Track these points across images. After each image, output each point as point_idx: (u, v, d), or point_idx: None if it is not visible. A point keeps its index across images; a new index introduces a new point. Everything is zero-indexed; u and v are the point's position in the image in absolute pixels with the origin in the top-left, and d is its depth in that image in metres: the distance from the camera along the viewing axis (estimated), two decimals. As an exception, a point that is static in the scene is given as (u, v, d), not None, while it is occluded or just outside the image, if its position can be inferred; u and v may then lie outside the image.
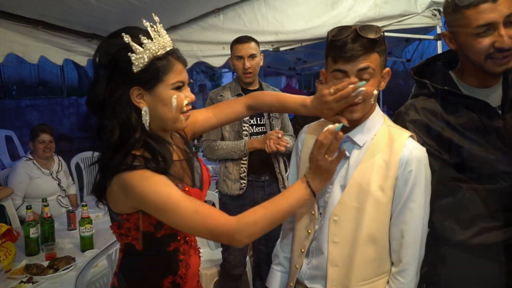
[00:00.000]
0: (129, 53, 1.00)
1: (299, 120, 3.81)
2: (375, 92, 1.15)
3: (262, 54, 2.49)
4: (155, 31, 1.05)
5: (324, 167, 1.08)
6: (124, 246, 1.18)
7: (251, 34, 2.77)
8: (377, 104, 1.24)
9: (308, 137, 1.37)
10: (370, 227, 1.18)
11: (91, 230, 2.23)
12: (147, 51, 1.02)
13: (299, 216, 1.33)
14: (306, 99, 1.27)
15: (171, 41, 1.09)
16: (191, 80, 1.14)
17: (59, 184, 3.20)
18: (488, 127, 1.24)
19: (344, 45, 1.11)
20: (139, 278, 1.17)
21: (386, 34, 3.60)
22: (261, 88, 2.51)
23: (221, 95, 2.45)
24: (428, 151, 1.21)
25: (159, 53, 1.04)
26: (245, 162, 2.41)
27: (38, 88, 9.70)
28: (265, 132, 2.45)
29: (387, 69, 1.19)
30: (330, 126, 1.07)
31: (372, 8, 3.34)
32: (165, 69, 1.05)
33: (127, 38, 1.00)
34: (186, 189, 1.11)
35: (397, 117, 1.36)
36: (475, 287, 1.31)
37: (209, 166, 4.43)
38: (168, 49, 1.06)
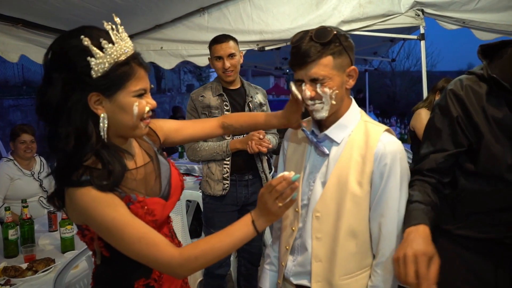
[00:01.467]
0: (88, 57, 0.94)
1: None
2: (336, 91, 1.18)
3: (241, 52, 2.46)
4: (116, 34, 0.98)
5: (272, 210, 1.04)
6: (93, 252, 1.15)
7: (236, 34, 2.77)
8: (353, 101, 1.29)
9: (292, 135, 1.41)
10: (350, 221, 1.21)
11: (71, 231, 2.20)
12: (108, 57, 0.96)
13: (284, 214, 1.33)
14: (278, 112, 1.37)
15: (132, 45, 1.03)
16: (152, 86, 1.09)
17: (41, 185, 3.14)
18: None
19: (298, 51, 1.15)
20: (111, 281, 1.15)
21: (370, 33, 3.63)
22: (242, 87, 2.49)
23: (203, 96, 2.42)
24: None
25: (120, 58, 0.98)
26: (228, 162, 2.40)
27: (22, 88, 9.55)
28: (247, 133, 2.45)
29: (352, 67, 1.22)
30: (286, 174, 1.02)
31: (356, 7, 3.37)
32: (126, 76, 0.99)
33: (86, 42, 0.93)
34: (141, 199, 1.06)
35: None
36: (459, 275, 1.38)
37: (195, 166, 4.41)
38: (129, 54, 1.00)
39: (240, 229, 1.06)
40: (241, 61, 2.44)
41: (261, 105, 2.52)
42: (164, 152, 1.29)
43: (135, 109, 1.02)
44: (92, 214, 0.97)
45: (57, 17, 2.96)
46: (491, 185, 1.29)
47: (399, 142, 1.23)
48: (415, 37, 3.56)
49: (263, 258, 1.57)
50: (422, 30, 3.44)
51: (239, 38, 2.49)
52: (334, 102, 1.19)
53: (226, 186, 2.40)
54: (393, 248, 1.21)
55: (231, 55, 2.35)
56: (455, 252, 1.40)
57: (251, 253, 2.62)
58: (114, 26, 0.99)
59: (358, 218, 1.22)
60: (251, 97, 2.47)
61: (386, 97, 17.06)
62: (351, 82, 1.23)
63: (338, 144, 1.25)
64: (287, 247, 1.33)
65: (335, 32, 1.15)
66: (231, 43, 2.37)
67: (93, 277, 1.20)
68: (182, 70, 15.25)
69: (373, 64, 8.58)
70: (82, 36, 0.94)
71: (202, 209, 2.60)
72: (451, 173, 1.34)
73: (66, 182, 0.99)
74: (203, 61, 3.73)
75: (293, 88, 1.22)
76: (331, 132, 1.25)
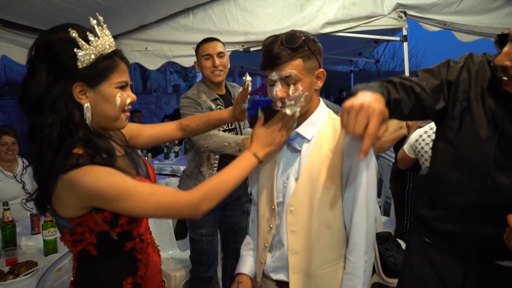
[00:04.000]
0: (75, 49, 1.00)
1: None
2: (306, 93, 1.25)
3: (228, 57, 2.42)
4: (101, 29, 1.05)
5: (276, 141, 1.26)
6: (78, 254, 1.14)
7: (221, 34, 2.77)
8: (321, 101, 1.37)
9: None
10: (323, 214, 1.27)
11: (54, 233, 2.17)
12: (94, 49, 1.02)
13: (262, 211, 1.40)
14: (229, 108, 1.54)
15: (114, 42, 1.10)
16: (131, 82, 1.17)
17: (23, 187, 3.10)
18: (501, 131, 1.21)
19: (269, 54, 1.22)
20: (98, 284, 1.15)
21: (354, 35, 3.66)
22: (228, 93, 2.45)
23: (203, 100, 2.32)
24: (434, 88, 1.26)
25: (105, 51, 1.05)
26: (216, 164, 2.39)
27: (4, 89, 9.39)
28: (233, 130, 2.45)
29: (320, 69, 1.29)
30: (286, 111, 1.23)
31: (340, 9, 3.41)
32: (110, 68, 1.06)
33: (74, 34, 0.99)
34: (137, 179, 1.12)
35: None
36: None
37: (181, 167, 4.39)
38: (113, 48, 1.08)
39: (245, 161, 1.20)
40: (228, 65, 2.39)
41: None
42: (139, 151, 1.37)
43: (118, 100, 1.08)
44: (101, 186, 1.00)
45: (38, 17, 2.93)
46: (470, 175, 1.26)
47: None
48: (398, 38, 3.62)
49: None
50: (404, 32, 3.49)
51: (224, 39, 2.49)
52: (304, 103, 1.26)
53: None
54: (364, 235, 1.27)
55: (221, 54, 2.32)
56: (424, 253, 1.44)
57: (237, 251, 2.61)
58: (98, 22, 1.05)
59: (331, 210, 1.28)
60: None
61: (372, 98, 17.22)
62: (320, 84, 1.30)
63: (308, 141, 1.31)
64: (266, 245, 1.38)
65: (303, 38, 1.22)
66: (220, 43, 2.36)
67: (73, 282, 1.18)
68: (168, 71, 15.16)
69: (358, 65, 8.66)
70: (69, 29, 1.00)
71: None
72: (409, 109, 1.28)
73: (64, 169, 1.00)
74: (188, 62, 3.72)
75: (248, 76, 1.34)
76: (301, 129, 1.31)
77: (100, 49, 1.03)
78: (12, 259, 2.04)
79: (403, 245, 2.82)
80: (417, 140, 2.53)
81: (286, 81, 1.22)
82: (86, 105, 1.05)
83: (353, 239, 1.28)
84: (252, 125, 2.50)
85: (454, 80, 1.26)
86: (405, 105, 1.25)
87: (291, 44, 1.20)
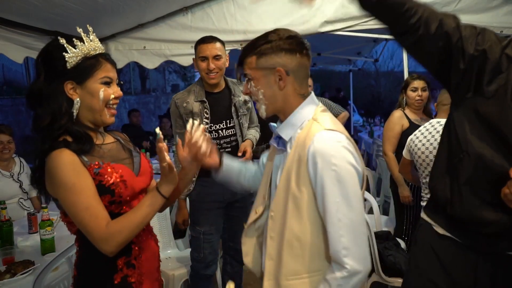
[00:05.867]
0: (64, 53, 1.19)
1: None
2: (262, 90, 1.23)
3: (228, 55, 2.42)
4: (86, 36, 1.24)
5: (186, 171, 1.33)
6: (76, 235, 1.29)
7: (220, 33, 2.76)
8: (306, 101, 1.25)
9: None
10: (292, 223, 1.18)
11: (51, 232, 2.16)
12: (79, 52, 1.22)
13: (251, 219, 1.38)
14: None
15: (102, 47, 1.29)
16: (121, 82, 1.32)
17: (20, 186, 3.08)
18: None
19: None
20: (95, 262, 1.27)
21: (353, 34, 3.65)
22: (227, 88, 2.46)
23: (187, 101, 2.36)
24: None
25: (90, 53, 1.24)
26: None
27: (2, 88, 9.37)
28: (234, 134, 2.45)
29: (278, 68, 1.20)
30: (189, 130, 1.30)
31: (339, 8, 3.40)
32: (94, 67, 1.23)
33: (62, 41, 1.20)
34: (107, 164, 1.23)
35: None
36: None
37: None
38: (98, 52, 1.26)
39: (149, 198, 1.23)
40: (227, 64, 2.38)
41: (245, 102, 2.49)
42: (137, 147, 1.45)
43: (101, 94, 1.24)
44: (58, 175, 1.15)
45: (37, 16, 2.91)
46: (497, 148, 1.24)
47: (335, 140, 1.14)
48: (396, 37, 3.61)
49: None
50: (403, 31, 3.48)
51: (222, 37, 2.47)
52: (266, 102, 1.24)
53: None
54: (340, 248, 1.11)
55: (217, 57, 2.30)
56: (432, 249, 1.43)
57: (236, 250, 2.60)
58: (86, 32, 1.25)
59: (299, 221, 1.17)
60: (238, 96, 2.45)
61: (371, 97, 17.22)
62: (281, 84, 1.21)
63: (287, 142, 1.25)
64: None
65: (270, 35, 1.22)
66: (218, 44, 2.33)
67: (76, 263, 1.33)
68: (167, 70, 15.14)
69: (357, 64, 8.66)
70: (59, 37, 1.20)
71: (188, 209, 2.58)
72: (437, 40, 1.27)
73: (46, 151, 1.17)
74: (186, 61, 3.71)
75: (158, 129, 1.25)
76: (280, 129, 1.26)
77: (85, 52, 1.22)
78: (9, 258, 2.03)
79: (403, 244, 2.81)
80: (411, 139, 2.53)
81: (247, 79, 1.26)
82: (76, 100, 1.23)
83: (331, 250, 1.13)
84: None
85: (487, 54, 1.22)
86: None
87: (252, 41, 1.24)
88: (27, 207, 3.10)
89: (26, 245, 2.32)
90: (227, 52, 2.48)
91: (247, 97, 2.49)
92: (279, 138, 1.28)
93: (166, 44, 3.76)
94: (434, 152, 2.38)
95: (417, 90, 2.99)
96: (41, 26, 3.16)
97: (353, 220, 1.12)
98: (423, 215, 1.53)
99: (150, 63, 3.87)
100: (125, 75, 12.95)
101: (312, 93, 1.29)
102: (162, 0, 3.34)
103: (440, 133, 2.32)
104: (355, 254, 1.11)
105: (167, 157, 1.19)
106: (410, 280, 1.56)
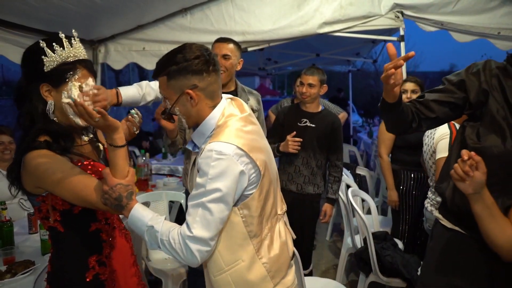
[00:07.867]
0: (42, 56, 1.23)
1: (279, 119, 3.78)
2: (176, 108, 1.29)
3: (241, 60, 2.42)
4: (67, 42, 1.26)
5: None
6: (49, 231, 1.33)
7: (219, 34, 2.77)
8: (212, 112, 1.32)
9: None
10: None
11: (52, 233, 2.18)
12: (58, 57, 1.25)
13: None
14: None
15: (85, 54, 1.32)
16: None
17: (21, 187, 3.09)
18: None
19: None
20: (67, 260, 1.32)
21: (351, 35, 3.64)
22: (236, 91, 2.45)
23: None
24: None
25: (68, 59, 1.26)
26: None
27: (1, 89, 9.39)
28: None
29: (187, 90, 1.26)
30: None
31: (337, 9, 3.42)
32: (70, 72, 1.26)
33: (42, 44, 1.22)
34: (87, 162, 1.30)
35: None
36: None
37: (179, 167, 4.39)
38: (78, 58, 1.28)
39: (111, 158, 1.23)
40: (239, 67, 2.40)
41: (252, 111, 2.49)
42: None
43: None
44: (46, 168, 1.19)
45: (36, 16, 2.92)
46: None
47: (217, 151, 1.20)
48: (395, 38, 3.62)
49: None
50: (401, 32, 3.50)
51: (221, 39, 2.50)
52: (184, 116, 1.31)
53: None
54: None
55: (226, 56, 2.32)
56: (447, 243, 1.53)
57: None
58: (70, 36, 1.29)
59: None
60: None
61: (370, 98, 17.24)
62: (193, 102, 1.28)
63: (199, 149, 1.35)
64: None
65: (177, 56, 1.24)
66: (231, 45, 2.36)
67: (49, 262, 1.36)
68: (167, 70, 15.07)
69: (356, 65, 8.66)
70: (40, 40, 1.23)
71: (185, 210, 2.59)
72: (433, 112, 1.52)
73: (25, 151, 1.22)
74: (185, 62, 3.71)
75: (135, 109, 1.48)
76: (193, 136, 1.38)
77: (64, 58, 1.25)
78: (10, 258, 2.04)
79: (400, 245, 2.83)
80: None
81: (162, 96, 1.33)
82: (49, 102, 1.27)
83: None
84: None
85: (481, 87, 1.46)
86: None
87: (162, 60, 1.28)
88: (27, 207, 3.11)
89: (26, 245, 2.33)
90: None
91: (254, 106, 2.48)
92: (194, 143, 1.39)
93: (165, 45, 3.76)
94: (428, 158, 2.41)
95: (406, 93, 2.96)
96: (40, 28, 3.16)
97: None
98: (436, 213, 1.66)
99: (150, 64, 3.88)
100: (125, 76, 12.93)
101: (223, 100, 1.36)
102: (161, 1, 3.36)
103: (429, 139, 2.36)
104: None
105: (94, 113, 1.15)
106: (426, 274, 1.65)
